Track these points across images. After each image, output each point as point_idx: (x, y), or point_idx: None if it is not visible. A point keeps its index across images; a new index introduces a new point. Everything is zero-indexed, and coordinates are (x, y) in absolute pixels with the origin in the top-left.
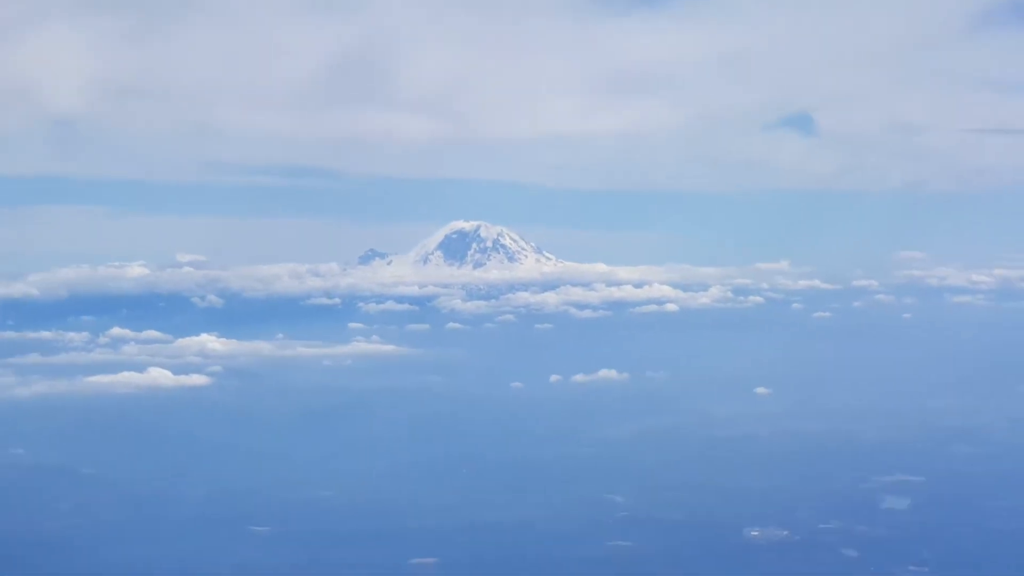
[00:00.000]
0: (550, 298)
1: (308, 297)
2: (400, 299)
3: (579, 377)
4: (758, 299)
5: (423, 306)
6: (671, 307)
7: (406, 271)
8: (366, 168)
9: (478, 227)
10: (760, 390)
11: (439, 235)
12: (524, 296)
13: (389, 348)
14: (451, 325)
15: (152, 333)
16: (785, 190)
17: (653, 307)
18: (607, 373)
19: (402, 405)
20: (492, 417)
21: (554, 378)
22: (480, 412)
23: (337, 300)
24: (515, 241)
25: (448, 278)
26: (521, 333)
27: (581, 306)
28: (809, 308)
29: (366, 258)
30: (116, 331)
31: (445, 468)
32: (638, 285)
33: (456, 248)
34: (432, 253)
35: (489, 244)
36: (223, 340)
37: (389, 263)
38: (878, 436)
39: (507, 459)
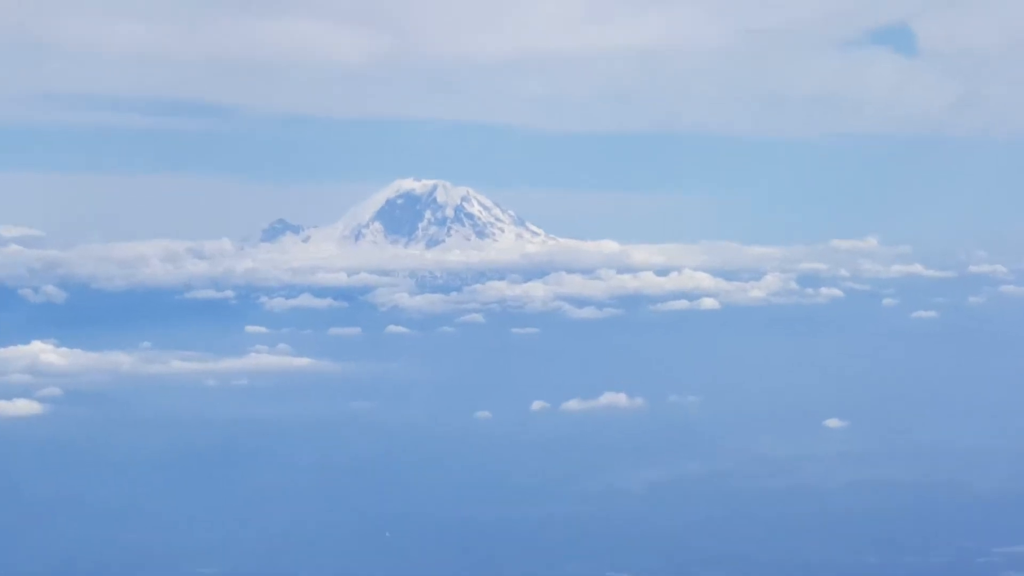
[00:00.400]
0: (536, 290)
1: (188, 289)
2: (320, 291)
3: (573, 404)
4: (834, 292)
5: (353, 301)
6: (709, 303)
7: (330, 251)
8: (272, 103)
9: (434, 188)
10: (832, 422)
11: (378, 200)
12: (499, 287)
13: (302, 362)
14: (392, 329)
15: None
16: (873, 136)
17: (683, 303)
18: (613, 398)
19: (316, 443)
20: (445, 461)
21: (537, 405)
22: (428, 453)
23: (229, 293)
24: (486, 209)
25: (390, 261)
26: (493, 340)
27: (579, 302)
28: (906, 304)
29: (273, 232)
30: None
31: (371, 534)
32: (662, 272)
33: (402, 219)
34: (368, 225)
35: (449, 213)
36: (63, 351)
37: (306, 240)
38: (1000, 489)
39: (463, 521)
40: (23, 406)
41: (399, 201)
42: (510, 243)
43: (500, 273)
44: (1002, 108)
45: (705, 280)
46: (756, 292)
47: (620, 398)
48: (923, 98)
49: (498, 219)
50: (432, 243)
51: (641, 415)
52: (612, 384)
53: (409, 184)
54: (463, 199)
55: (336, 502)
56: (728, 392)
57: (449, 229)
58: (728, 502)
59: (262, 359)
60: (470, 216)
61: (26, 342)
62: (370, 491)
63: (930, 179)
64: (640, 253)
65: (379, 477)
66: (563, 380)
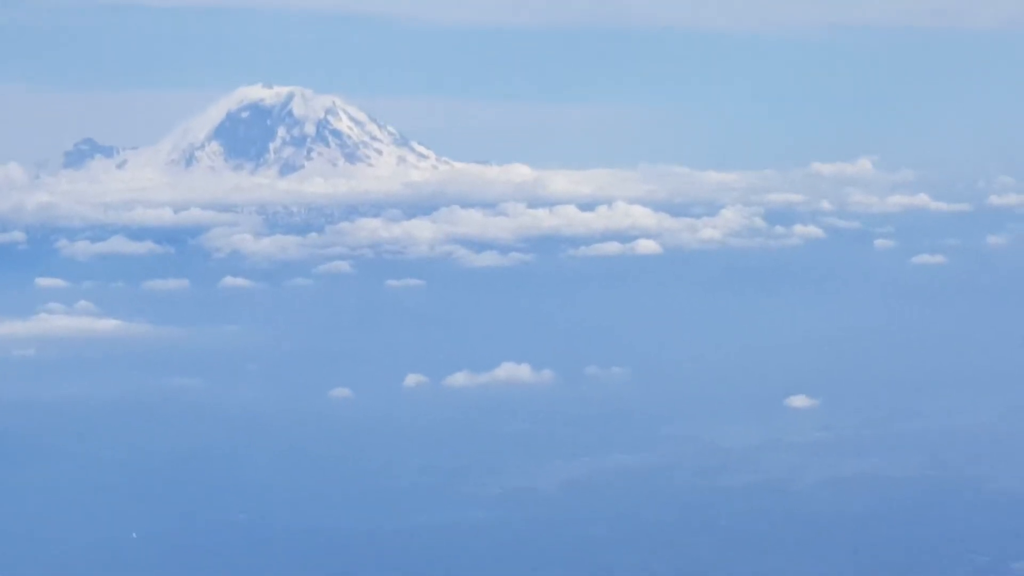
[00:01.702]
0: (421, 230)
1: None
2: (137, 232)
3: (460, 378)
4: (812, 231)
5: (180, 245)
6: (647, 247)
7: (152, 180)
8: None
9: (289, 98)
10: (798, 400)
11: (216, 113)
12: (372, 226)
13: (108, 325)
14: (230, 281)
15: None
16: (868, 29)
17: (613, 247)
18: (513, 370)
19: (121, 433)
20: (290, 453)
21: (413, 380)
22: (269, 444)
23: (18, 235)
24: (359, 124)
25: (231, 193)
26: (361, 296)
27: (478, 245)
28: (906, 246)
29: (78, 156)
30: None
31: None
32: (587, 206)
33: (248, 137)
34: (202, 147)
35: (310, 129)
36: None
37: (121, 165)
38: (1018, 487)
39: (310, 533)
40: None
41: (244, 114)
42: (389, 169)
43: (375, 208)
44: None
45: (644, 216)
46: (709, 231)
47: (522, 370)
48: None
49: (374, 137)
50: (287, 169)
51: (550, 392)
52: (513, 352)
53: (257, 92)
54: (328, 112)
55: (147, 510)
56: (666, 363)
57: (309, 151)
58: (666, 506)
59: (55, 322)
60: (337, 134)
61: None
62: (191, 494)
63: (942, 84)
64: (559, 181)
65: (203, 476)
66: (449, 347)
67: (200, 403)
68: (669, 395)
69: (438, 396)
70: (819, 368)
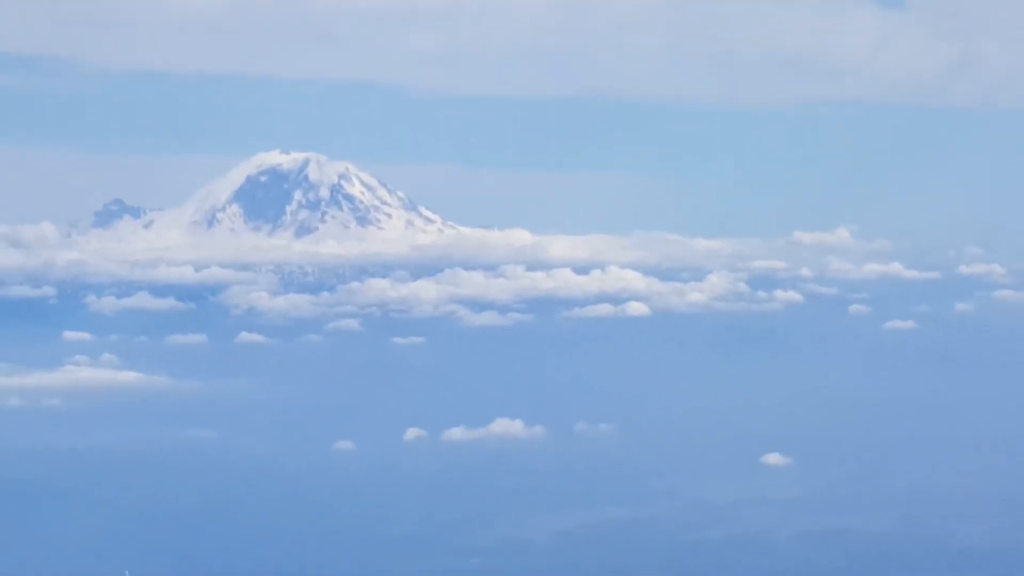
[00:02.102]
0: (426, 290)
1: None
2: (161, 289)
3: (456, 433)
4: (792, 296)
5: (201, 302)
6: (637, 309)
7: (176, 240)
8: (110, 56)
9: (305, 163)
10: (772, 458)
11: (236, 177)
12: (381, 286)
13: (129, 377)
14: (245, 337)
15: None
16: (847, 104)
17: (606, 308)
18: (507, 426)
19: (139, 482)
20: (295, 504)
21: (412, 434)
22: (276, 494)
23: (49, 291)
24: (370, 189)
25: (250, 253)
26: (368, 352)
27: (479, 305)
28: (880, 312)
29: (107, 216)
30: None
31: None
32: (582, 269)
33: (266, 200)
34: (223, 209)
35: (324, 194)
36: None
37: (147, 225)
38: (987, 544)
39: None
40: None
41: (262, 179)
42: (398, 232)
43: (384, 269)
44: (1005, 73)
45: (635, 280)
46: (696, 295)
47: (516, 426)
48: (910, 60)
49: (384, 202)
50: (302, 231)
51: (541, 447)
52: (507, 408)
53: (275, 158)
54: (341, 177)
55: (162, 556)
56: (652, 420)
57: (323, 214)
58: (651, 557)
59: (81, 373)
60: (349, 198)
61: None
62: (204, 542)
63: (916, 158)
64: (557, 246)
65: (215, 525)
66: (448, 403)
67: (213, 454)
68: (654, 451)
69: (436, 449)
70: (795, 427)
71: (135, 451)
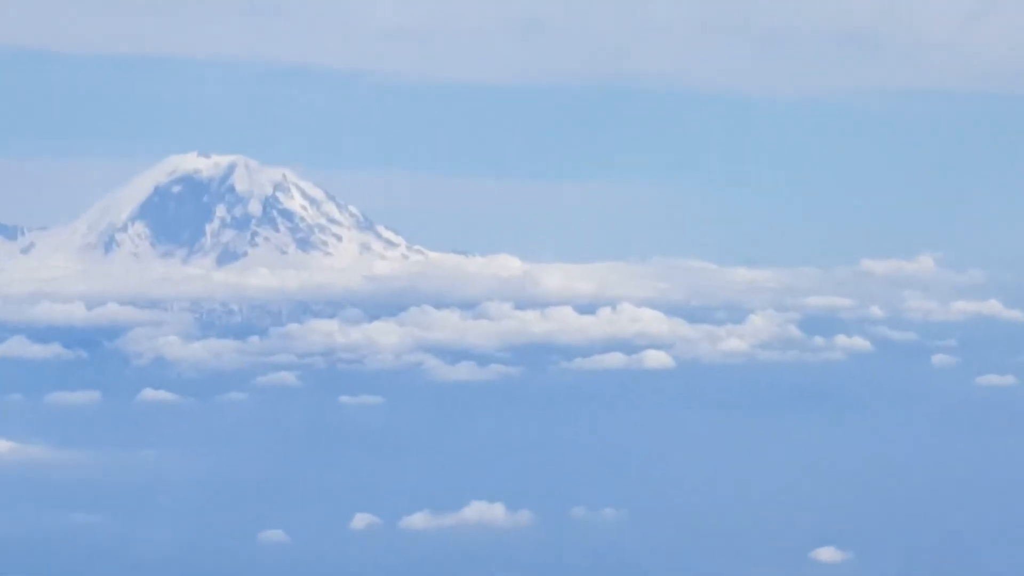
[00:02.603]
0: (386, 334)
1: None
2: (41, 332)
3: (419, 519)
4: (858, 343)
5: (94, 350)
6: (657, 359)
7: (63, 268)
8: None
9: (229, 168)
10: (825, 553)
11: (142, 186)
12: (325, 329)
13: (1, 446)
14: (151, 394)
15: None
16: (928, 92)
17: (616, 359)
18: (484, 510)
19: None
20: None
21: (362, 521)
22: None
23: None
24: (314, 203)
25: (157, 285)
26: (307, 415)
27: (453, 354)
28: (971, 364)
29: None
30: None
31: None
32: (587, 307)
33: (179, 217)
34: (125, 228)
35: (255, 209)
36: None
37: (26, 250)
38: None
39: None
40: None
41: (174, 189)
42: (350, 258)
43: (331, 307)
44: None
45: (654, 321)
46: (733, 342)
47: (495, 511)
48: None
49: (332, 220)
50: (226, 257)
51: (526, 538)
52: (485, 488)
53: (191, 162)
54: (277, 188)
55: None
56: (671, 503)
57: (254, 235)
58: None
59: None
60: (287, 215)
61: None
62: None
63: (1020, 165)
64: (554, 276)
65: None
66: (408, 481)
67: (100, 545)
68: (671, 544)
69: (391, 541)
70: (855, 513)
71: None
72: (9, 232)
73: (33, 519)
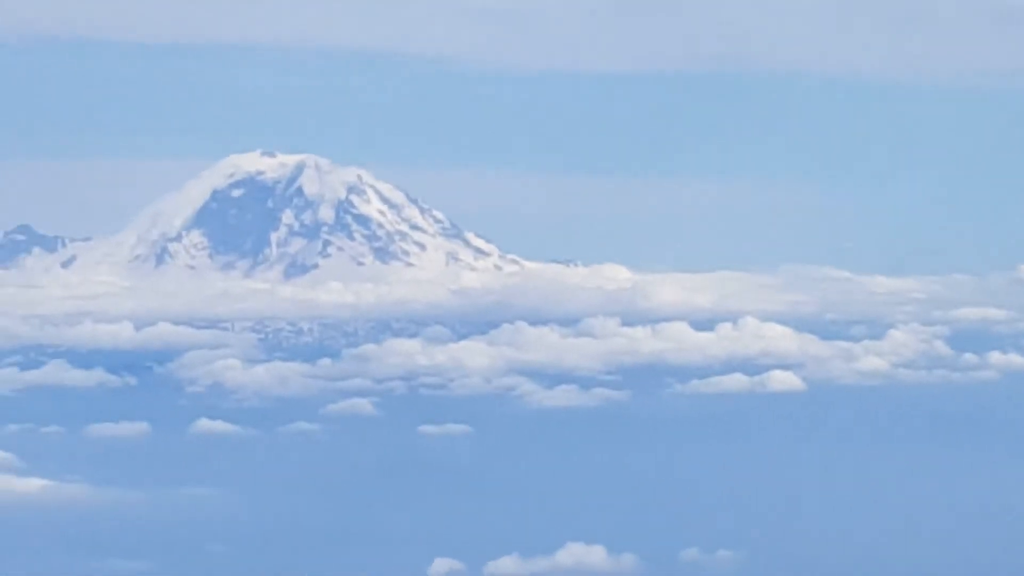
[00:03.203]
0: (475, 355)
1: None
2: (83, 356)
3: (507, 563)
4: (1015, 360)
5: (143, 375)
6: (784, 381)
7: (108, 282)
8: (14, 20)
9: (297, 169)
10: None
11: (197, 190)
12: (406, 350)
13: (34, 485)
14: (206, 425)
15: None
16: None
17: (739, 381)
18: (582, 554)
19: None
20: None
21: (443, 567)
22: None
23: None
24: (395, 208)
25: (216, 301)
26: (384, 447)
27: (551, 377)
28: None
29: (9, 250)
30: None
31: None
32: (705, 323)
33: (240, 225)
34: (178, 238)
35: (326, 215)
36: None
37: (67, 263)
38: None
39: None
40: None
41: (235, 193)
42: (435, 270)
43: (413, 325)
44: None
45: (782, 338)
46: (872, 360)
47: (594, 554)
48: None
49: (415, 226)
50: (294, 270)
51: None
52: (583, 529)
53: (254, 162)
54: (351, 190)
55: None
56: (795, 544)
57: (325, 245)
58: None
59: None
60: (364, 221)
61: None
62: None
63: None
64: (667, 288)
65: None
66: (496, 521)
67: None
68: None
69: None
70: (1010, 556)
71: None
72: (48, 243)
73: (63, 567)
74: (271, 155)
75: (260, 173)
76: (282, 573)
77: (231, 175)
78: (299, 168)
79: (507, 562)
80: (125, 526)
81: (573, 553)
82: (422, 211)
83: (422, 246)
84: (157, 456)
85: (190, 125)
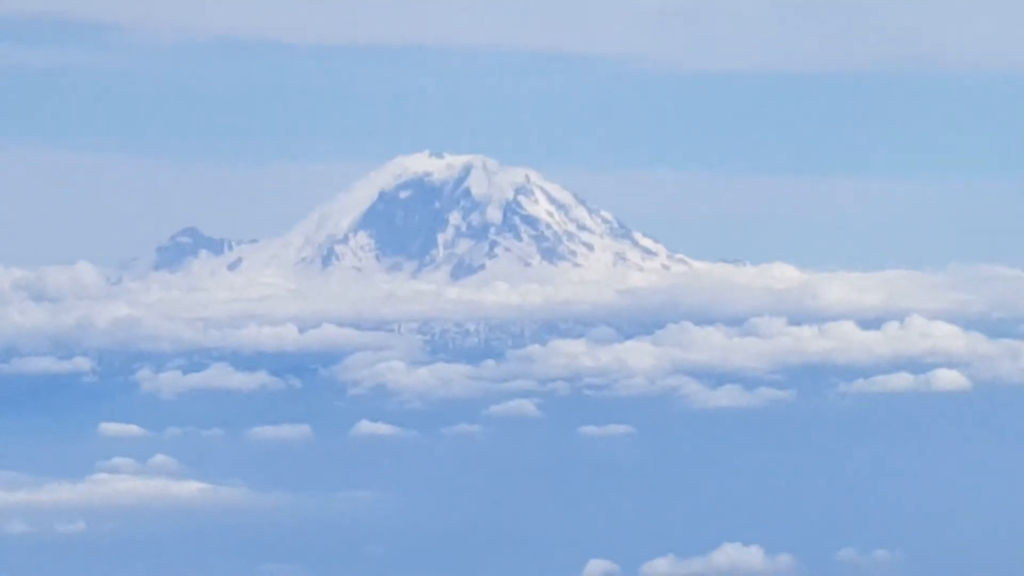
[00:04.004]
0: (640, 355)
1: (8, 356)
2: (247, 359)
3: (662, 565)
4: None
5: (307, 377)
6: (950, 379)
7: (274, 284)
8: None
9: (465, 170)
10: None
11: (364, 193)
12: (571, 351)
13: (193, 488)
14: (368, 427)
15: None
16: None
17: (905, 380)
18: (738, 555)
19: None
20: None
21: (597, 567)
22: None
23: (84, 363)
24: (562, 208)
25: (382, 303)
26: (545, 448)
27: (716, 377)
28: None
29: (175, 252)
30: None
31: None
32: (871, 322)
33: (407, 226)
34: (344, 239)
35: (494, 215)
36: None
37: (233, 265)
38: None
39: None
40: None
41: (403, 195)
42: (602, 270)
43: (580, 325)
44: None
45: (949, 337)
46: None
47: (752, 555)
48: None
49: (582, 226)
50: (461, 271)
51: None
52: (741, 529)
53: (422, 163)
54: (519, 191)
55: None
56: (957, 544)
57: (493, 245)
58: None
59: (119, 484)
60: (531, 221)
61: None
62: None
63: None
64: (836, 287)
65: None
66: (654, 521)
67: None
68: None
69: None
70: None
71: None
72: (215, 246)
73: (218, 570)
74: (439, 156)
75: (427, 174)
76: (437, 571)
77: (398, 176)
78: (467, 169)
79: (662, 563)
80: (281, 529)
81: (729, 554)
82: (590, 211)
83: (590, 246)
84: (317, 459)
85: (358, 127)
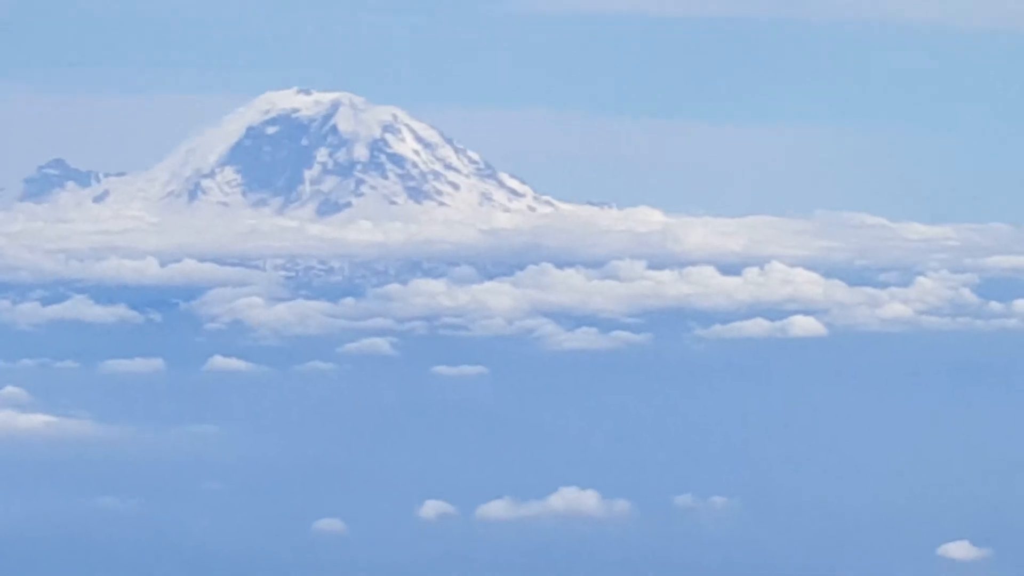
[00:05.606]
0: (499, 296)
1: None
2: (108, 292)
3: (497, 507)
4: None
5: (167, 312)
6: (806, 326)
7: (140, 217)
8: None
9: (333, 107)
10: (956, 549)
11: (232, 127)
12: (430, 289)
13: (38, 420)
14: (221, 362)
15: None
16: None
17: (761, 326)
18: (574, 497)
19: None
20: None
21: (432, 508)
22: None
23: None
24: (429, 147)
25: (245, 239)
26: (397, 388)
27: (573, 319)
28: None
29: (42, 184)
30: None
31: None
32: (732, 267)
33: (274, 162)
34: (211, 174)
35: (361, 153)
36: None
37: (99, 197)
38: None
39: None
40: None
41: (270, 130)
42: (468, 210)
43: (441, 264)
44: None
45: (808, 284)
46: (896, 307)
47: (586, 498)
48: None
49: (449, 165)
50: (327, 208)
51: (618, 530)
52: (579, 473)
53: (289, 99)
54: (386, 129)
55: None
56: (792, 491)
57: (359, 183)
58: None
59: None
60: (398, 160)
61: None
62: None
63: None
64: (698, 232)
65: None
66: (494, 464)
67: (127, 534)
68: (784, 537)
69: (462, 532)
70: (1003, 505)
71: (7, 529)
72: (82, 178)
73: (51, 504)
74: (307, 92)
75: (295, 111)
76: (270, 512)
77: (266, 112)
78: (334, 106)
79: (497, 505)
80: (121, 463)
81: (565, 497)
82: (457, 151)
83: (456, 186)
84: (167, 393)
85: (226, 62)
